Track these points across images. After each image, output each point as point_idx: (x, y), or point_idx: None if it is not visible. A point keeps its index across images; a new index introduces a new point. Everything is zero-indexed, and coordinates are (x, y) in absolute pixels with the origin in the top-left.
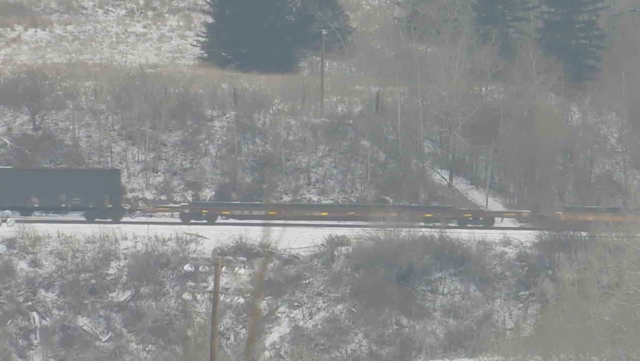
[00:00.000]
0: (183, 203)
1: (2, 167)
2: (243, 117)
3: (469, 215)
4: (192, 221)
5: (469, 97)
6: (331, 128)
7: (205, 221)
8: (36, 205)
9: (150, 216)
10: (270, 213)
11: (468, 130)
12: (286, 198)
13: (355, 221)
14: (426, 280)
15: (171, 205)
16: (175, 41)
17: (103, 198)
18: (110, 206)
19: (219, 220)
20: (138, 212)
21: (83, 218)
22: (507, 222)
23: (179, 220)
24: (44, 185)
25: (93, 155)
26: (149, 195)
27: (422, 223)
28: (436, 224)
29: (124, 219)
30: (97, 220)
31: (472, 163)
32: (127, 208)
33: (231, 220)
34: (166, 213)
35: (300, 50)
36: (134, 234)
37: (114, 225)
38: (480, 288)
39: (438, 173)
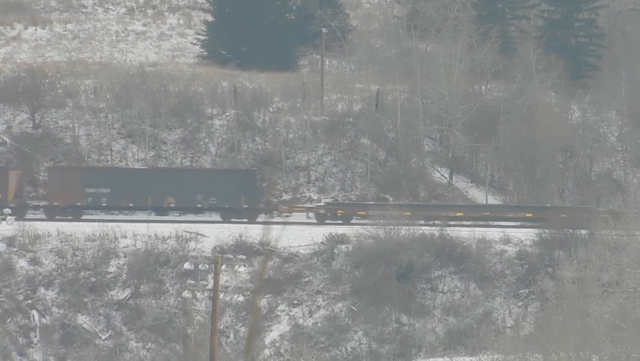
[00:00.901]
0: (319, 204)
1: (138, 167)
2: (243, 115)
3: None
4: (328, 222)
5: (469, 95)
6: (331, 126)
7: (340, 221)
8: (172, 205)
9: (286, 216)
10: (405, 213)
11: (468, 129)
12: (286, 197)
13: (493, 221)
14: (426, 278)
15: (307, 205)
16: (175, 39)
17: (239, 198)
18: (246, 206)
19: (354, 220)
20: (275, 212)
21: (219, 219)
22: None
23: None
24: (180, 186)
25: (93, 153)
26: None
27: (422, 221)
28: (436, 222)
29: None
30: (232, 220)
31: (472, 162)
32: (268, 208)
33: (367, 221)
34: (301, 214)
35: (300, 49)
36: (133, 232)
37: (114, 223)
38: (480, 286)
39: (438, 171)
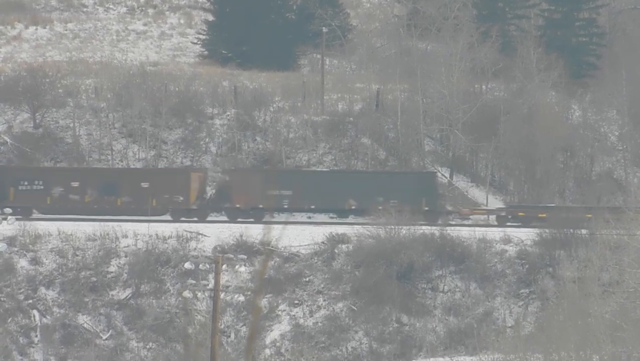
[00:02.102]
0: (500, 206)
1: (319, 169)
2: (243, 114)
3: None
4: (508, 224)
5: (470, 95)
6: (331, 126)
7: (519, 223)
8: (353, 208)
9: (466, 219)
10: (587, 215)
11: (468, 128)
12: None
13: None
14: (427, 277)
15: (488, 207)
16: (175, 39)
17: (420, 200)
18: (426, 209)
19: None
20: (454, 214)
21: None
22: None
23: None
24: (362, 188)
25: (94, 153)
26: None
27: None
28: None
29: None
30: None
31: (473, 161)
32: (448, 210)
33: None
34: (482, 216)
35: (300, 48)
36: (134, 232)
37: (115, 223)
38: (481, 285)
39: (438, 171)
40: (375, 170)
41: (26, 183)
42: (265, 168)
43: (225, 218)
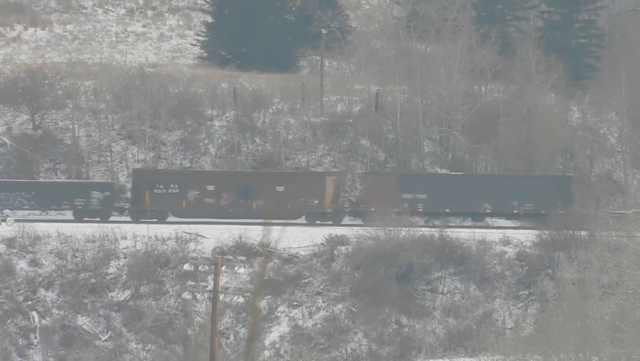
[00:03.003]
0: (636, 210)
1: (454, 173)
2: (243, 116)
3: None
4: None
5: (469, 96)
6: (331, 127)
7: None
8: (488, 211)
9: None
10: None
11: (468, 130)
12: None
13: None
14: (426, 279)
15: (623, 211)
16: (174, 40)
17: (555, 204)
18: (561, 212)
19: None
20: (592, 217)
21: (528, 225)
22: (506, 221)
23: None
24: (497, 191)
25: (93, 154)
26: None
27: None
28: (436, 223)
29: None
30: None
31: (472, 163)
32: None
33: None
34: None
35: (299, 50)
36: (133, 233)
37: (114, 225)
38: (480, 287)
39: (438, 172)
40: (512, 175)
41: (162, 186)
42: (401, 171)
43: (360, 222)
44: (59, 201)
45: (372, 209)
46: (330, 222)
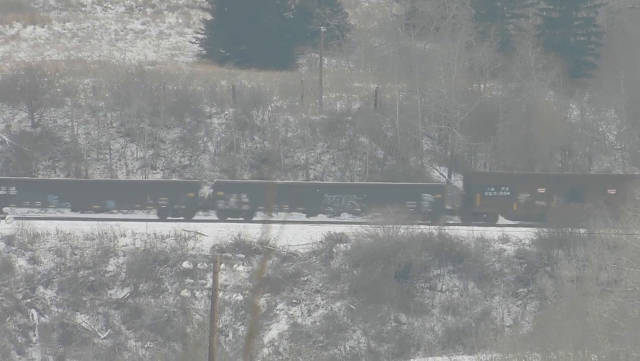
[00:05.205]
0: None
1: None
2: (242, 114)
3: None
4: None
5: (468, 94)
6: (330, 125)
7: None
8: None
9: None
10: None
11: (467, 127)
12: None
13: None
14: (425, 277)
15: None
16: (173, 38)
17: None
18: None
19: None
20: None
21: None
22: (504, 220)
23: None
24: None
25: (92, 152)
26: None
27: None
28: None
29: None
30: None
31: (471, 160)
32: None
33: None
34: None
35: (299, 47)
36: (132, 231)
37: (113, 223)
38: (479, 285)
39: (437, 170)
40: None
41: (493, 189)
42: None
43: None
44: (390, 203)
45: None
46: None
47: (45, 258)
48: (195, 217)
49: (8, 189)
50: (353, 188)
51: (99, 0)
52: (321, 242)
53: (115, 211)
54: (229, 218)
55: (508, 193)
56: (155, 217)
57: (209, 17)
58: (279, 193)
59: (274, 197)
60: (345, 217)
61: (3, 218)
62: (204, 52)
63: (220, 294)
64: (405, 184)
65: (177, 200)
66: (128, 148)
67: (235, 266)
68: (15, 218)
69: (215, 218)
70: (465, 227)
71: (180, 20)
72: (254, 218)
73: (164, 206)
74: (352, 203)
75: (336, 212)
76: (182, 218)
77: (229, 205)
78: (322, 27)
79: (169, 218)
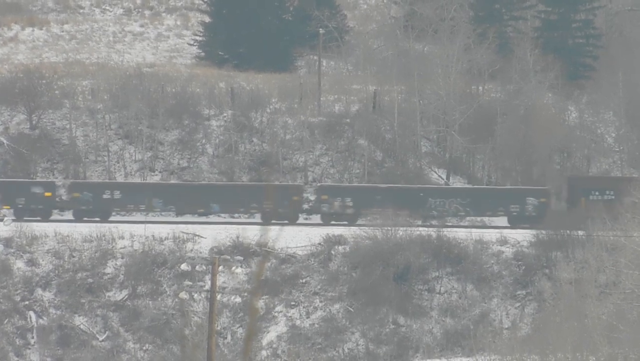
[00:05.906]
0: None
1: None
2: (240, 116)
3: None
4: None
5: (466, 96)
6: (328, 127)
7: None
8: None
9: None
10: None
11: (465, 129)
12: None
13: None
14: (423, 279)
15: None
16: (172, 40)
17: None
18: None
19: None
20: None
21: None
22: (503, 221)
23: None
24: None
25: (90, 154)
26: None
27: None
28: (433, 222)
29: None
30: None
31: (469, 163)
32: None
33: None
34: None
35: (297, 50)
36: (130, 233)
37: (111, 225)
38: (477, 287)
39: (435, 172)
40: None
41: (597, 193)
42: None
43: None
44: (493, 207)
45: None
46: None
47: (43, 260)
48: (298, 221)
49: (112, 193)
50: (457, 192)
51: (98, 2)
52: (320, 244)
53: (222, 215)
54: (332, 222)
55: (612, 197)
56: (260, 221)
57: (207, 19)
58: (382, 197)
59: (377, 201)
60: (452, 221)
61: (1, 220)
62: (203, 54)
63: (218, 296)
64: (511, 188)
65: (281, 203)
66: (126, 150)
67: (233, 268)
68: (13, 221)
69: (319, 222)
70: (463, 229)
71: (178, 23)
72: (358, 222)
73: (268, 210)
74: (456, 207)
75: (440, 215)
76: (286, 221)
77: (333, 208)
78: (320, 29)
79: (273, 221)
